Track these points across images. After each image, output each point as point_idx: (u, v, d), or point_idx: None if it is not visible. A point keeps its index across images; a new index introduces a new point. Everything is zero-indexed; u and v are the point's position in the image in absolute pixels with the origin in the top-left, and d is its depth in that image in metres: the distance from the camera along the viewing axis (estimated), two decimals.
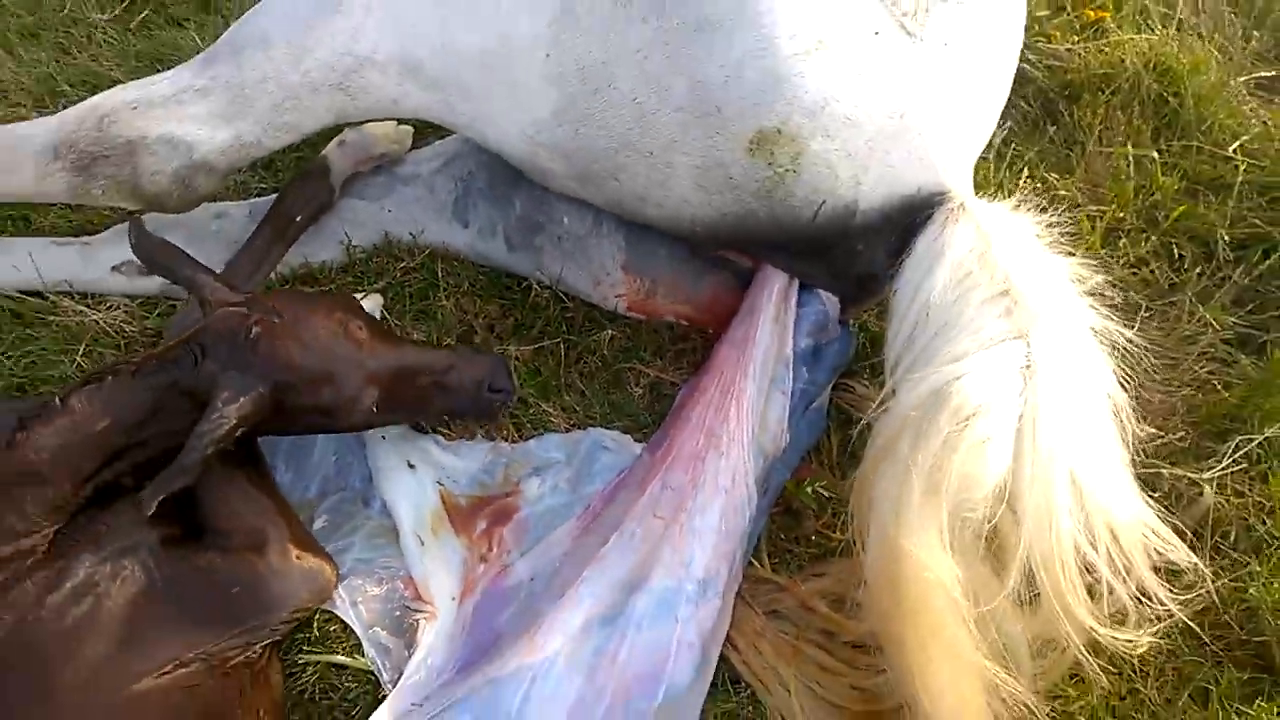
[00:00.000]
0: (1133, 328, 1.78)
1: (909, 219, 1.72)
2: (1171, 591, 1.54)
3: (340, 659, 1.61)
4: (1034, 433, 1.46)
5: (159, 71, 1.87)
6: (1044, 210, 1.70)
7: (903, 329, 1.67)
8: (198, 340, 1.56)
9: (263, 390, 1.53)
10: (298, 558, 1.59)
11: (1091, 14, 2.54)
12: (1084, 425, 1.52)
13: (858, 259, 1.81)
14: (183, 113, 1.77)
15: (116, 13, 2.58)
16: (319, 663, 1.62)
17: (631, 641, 1.51)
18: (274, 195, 2.10)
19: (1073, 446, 1.49)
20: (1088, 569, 1.50)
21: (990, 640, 1.44)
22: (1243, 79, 2.45)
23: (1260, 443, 1.90)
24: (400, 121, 2.14)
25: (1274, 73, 2.48)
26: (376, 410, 1.65)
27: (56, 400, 1.51)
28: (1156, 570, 1.55)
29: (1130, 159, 2.28)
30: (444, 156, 2.16)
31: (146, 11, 2.60)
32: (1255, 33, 2.57)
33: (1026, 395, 1.47)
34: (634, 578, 1.58)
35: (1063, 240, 1.69)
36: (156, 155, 1.76)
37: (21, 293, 2.00)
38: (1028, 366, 1.50)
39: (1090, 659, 1.52)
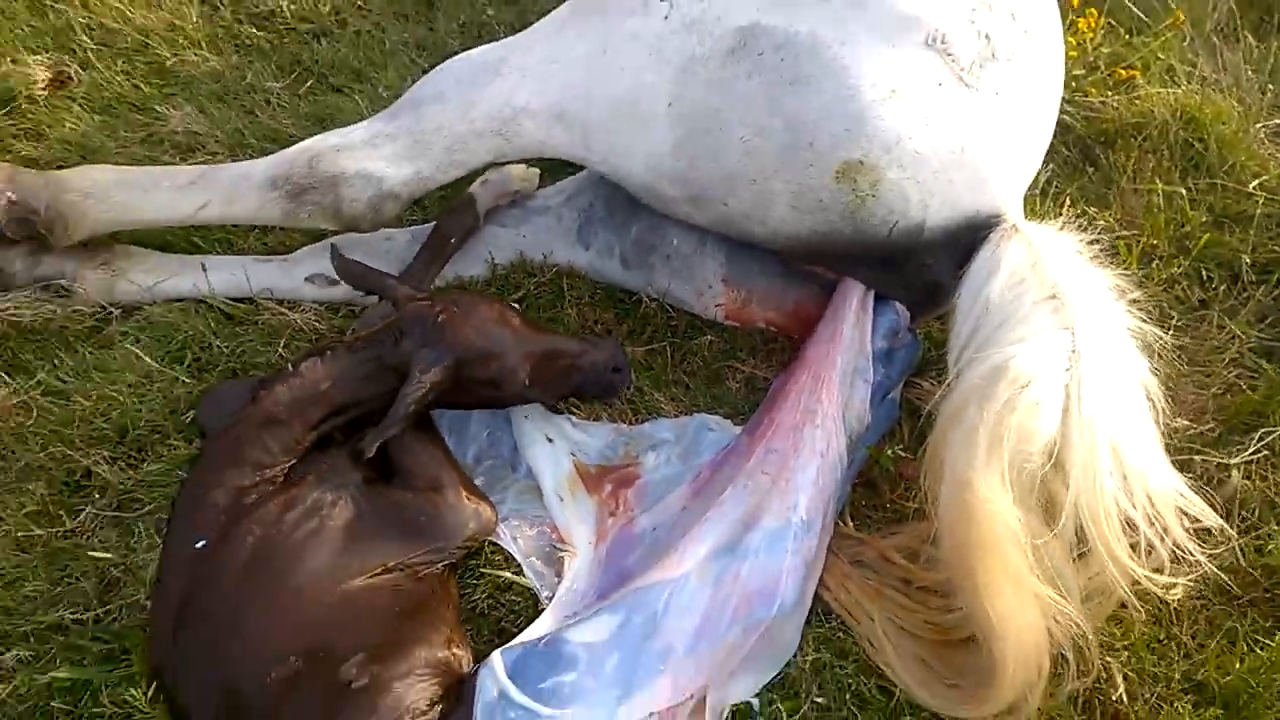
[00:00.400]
0: (1167, 334, 2.10)
1: (970, 237, 2.03)
2: (1201, 548, 1.81)
3: (507, 575, 1.93)
4: (1079, 402, 1.74)
5: (326, 128, 2.27)
6: (1088, 240, 2.01)
7: (965, 327, 1.97)
8: (397, 325, 1.96)
9: (448, 363, 1.91)
10: (467, 499, 1.93)
11: (1123, 73, 2.87)
12: (1122, 401, 1.79)
13: (926, 271, 2.12)
14: (375, 154, 2.17)
15: (288, 81, 3.03)
16: (490, 582, 1.94)
17: (750, 565, 1.81)
18: (426, 224, 2.51)
19: (1112, 417, 1.76)
20: (1129, 526, 1.78)
21: (1046, 572, 1.71)
22: (1260, 126, 2.75)
23: None
24: (529, 164, 2.55)
25: None
26: (528, 384, 2.01)
27: (290, 366, 1.90)
28: (1187, 532, 1.82)
29: (1161, 195, 2.58)
30: (567, 192, 2.55)
31: (311, 81, 3.05)
32: (1270, 86, 2.88)
33: (1072, 372, 1.75)
34: (748, 518, 1.88)
35: (1102, 260, 2.00)
36: (354, 187, 2.16)
37: (233, 299, 2.41)
38: (1073, 351, 1.78)
39: (1133, 599, 1.79)
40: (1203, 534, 1.84)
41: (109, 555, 1.96)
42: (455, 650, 1.73)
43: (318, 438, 1.91)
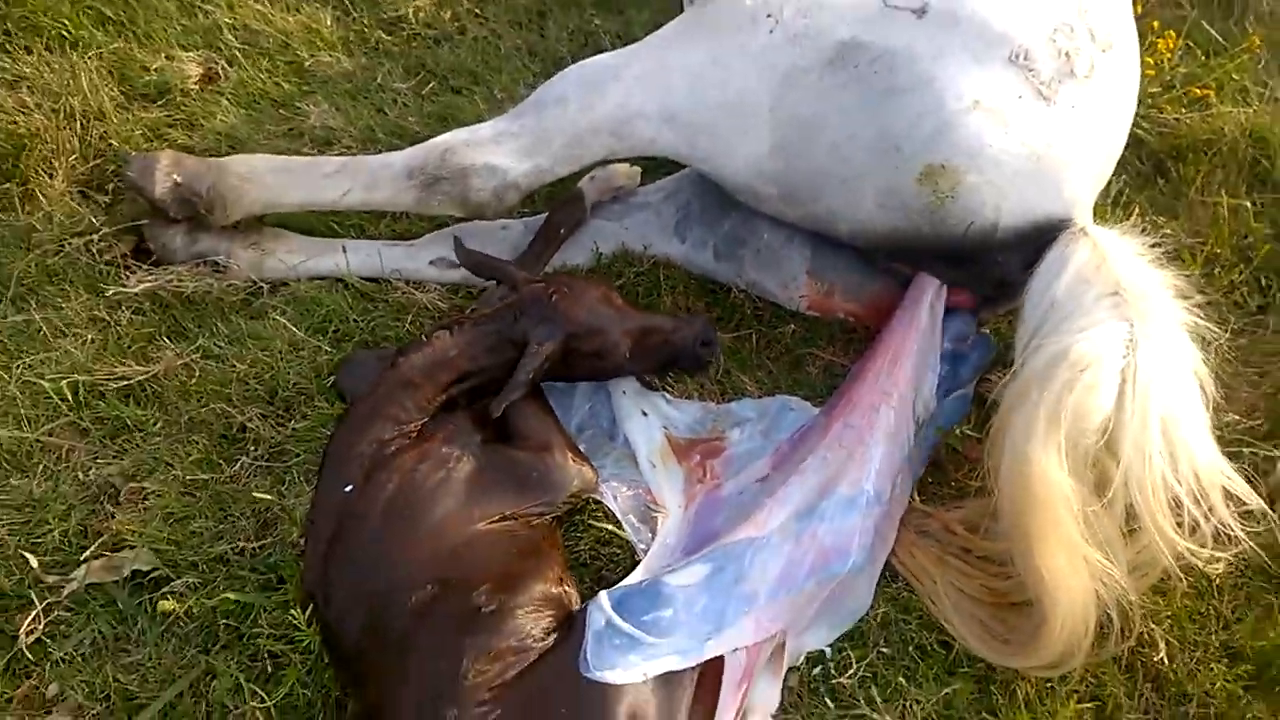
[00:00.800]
0: (1224, 335, 2.23)
1: (1040, 238, 2.18)
2: (1244, 528, 1.96)
3: (608, 529, 2.16)
4: (1134, 386, 1.89)
5: (446, 125, 2.49)
6: (1150, 243, 2.16)
7: (1031, 321, 2.13)
8: (517, 305, 2.20)
9: (560, 337, 2.14)
10: (573, 460, 2.16)
11: (1198, 92, 2.98)
12: (1175, 388, 1.94)
13: (997, 268, 2.28)
14: (500, 149, 2.41)
15: (413, 83, 3.30)
16: (593, 535, 2.17)
17: (825, 526, 2.01)
18: (538, 216, 2.75)
19: (1165, 402, 1.91)
20: (1176, 504, 1.93)
21: (1096, 539, 1.88)
22: None
23: None
24: (632, 164, 2.77)
25: None
26: (629, 357, 2.24)
27: (423, 337, 2.16)
28: (1231, 512, 1.97)
29: (1226, 207, 2.70)
30: (666, 190, 2.77)
31: (434, 82, 3.31)
32: None
33: (1129, 359, 1.91)
34: (825, 486, 2.07)
35: (1166, 263, 2.14)
36: (481, 177, 2.40)
37: (367, 279, 2.67)
38: (1130, 340, 1.94)
39: (1177, 572, 1.94)
40: (1246, 517, 1.98)
41: (267, 497, 2.23)
42: (566, 589, 1.96)
43: (446, 400, 2.16)
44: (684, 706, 1.78)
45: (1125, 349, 1.94)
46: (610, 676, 1.73)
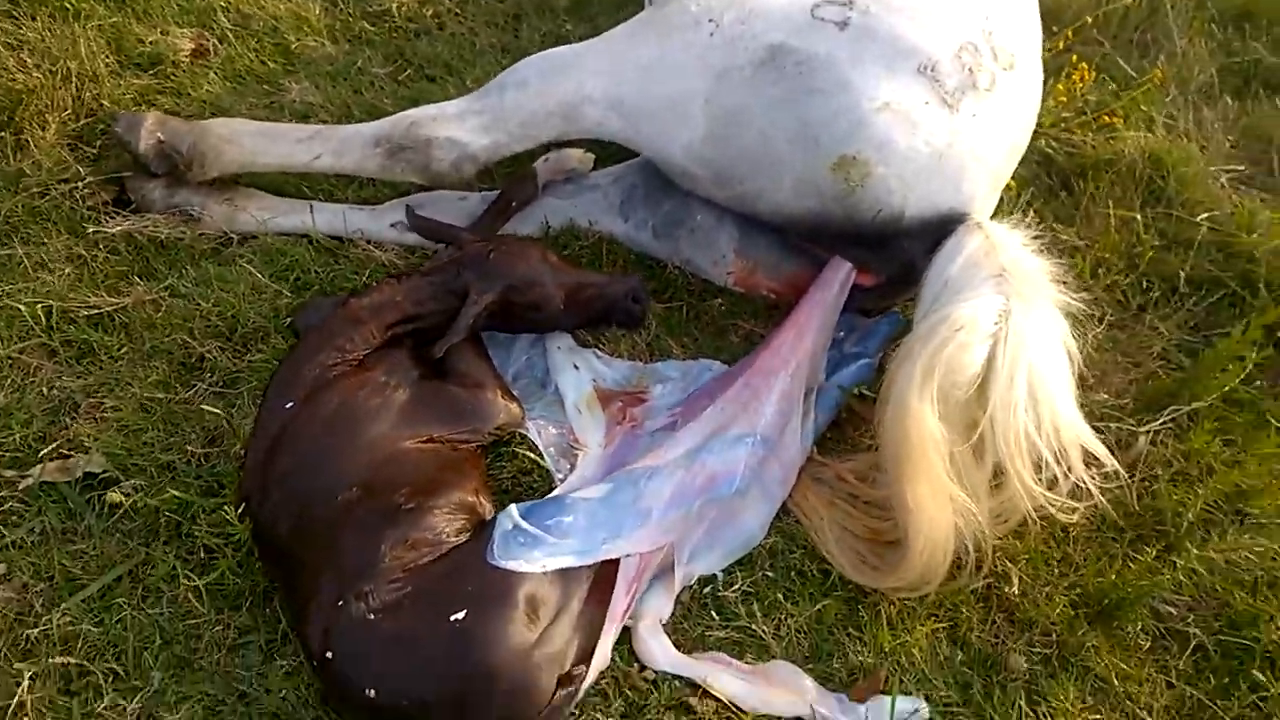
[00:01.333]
0: (1104, 326, 2.47)
1: (941, 228, 2.42)
2: (1099, 486, 2.18)
3: (531, 458, 2.36)
4: (1004, 347, 2.11)
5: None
6: (1035, 235, 2.40)
7: (927, 298, 2.35)
8: (460, 259, 2.42)
9: (499, 288, 2.36)
10: (502, 396, 2.37)
11: (1106, 118, 3.25)
12: (1042, 352, 2.16)
13: (902, 252, 2.51)
14: (462, 125, 2.62)
15: (390, 69, 3.52)
16: (516, 465, 2.37)
17: (715, 457, 2.22)
18: (496, 190, 2.97)
19: (1031, 363, 2.13)
20: (1038, 463, 2.15)
21: (961, 479, 2.09)
22: (1218, 169, 3.13)
23: (1188, 413, 2.52)
24: (585, 150, 3.00)
25: (1242, 167, 3.15)
26: (563, 310, 2.45)
27: (375, 283, 2.38)
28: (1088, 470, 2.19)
29: (1119, 218, 2.96)
30: (615, 175, 2.99)
31: (410, 70, 3.54)
32: (1236, 140, 3.26)
33: (1001, 325, 2.14)
34: (719, 429, 2.29)
35: (1051, 255, 2.38)
36: (442, 149, 2.62)
37: (331, 237, 2.88)
38: (1005, 310, 2.16)
39: (1034, 518, 2.15)
40: (1105, 479, 2.20)
41: (216, 411, 2.41)
42: (481, 500, 2.15)
43: (390, 338, 2.35)
44: (579, 599, 1.96)
45: (999, 317, 2.16)
46: (513, 565, 1.92)
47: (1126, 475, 2.29)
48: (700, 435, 2.27)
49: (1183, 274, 2.85)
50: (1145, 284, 2.85)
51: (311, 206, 2.90)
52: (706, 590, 2.21)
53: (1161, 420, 2.49)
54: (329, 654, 1.85)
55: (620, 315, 2.53)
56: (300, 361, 2.24)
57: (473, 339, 2.47)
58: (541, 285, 2.42)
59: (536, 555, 1.95)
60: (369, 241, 2.88)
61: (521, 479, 2.38)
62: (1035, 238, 2.40)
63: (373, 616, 1.84)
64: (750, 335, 2.74)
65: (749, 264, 2.77)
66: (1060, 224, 2.98)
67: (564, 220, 2.94)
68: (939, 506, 2.07)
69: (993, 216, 2.57)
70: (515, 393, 2.51)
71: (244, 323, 2.64)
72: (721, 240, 2.78)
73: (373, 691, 1.80)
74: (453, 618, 1.82)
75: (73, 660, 2.07)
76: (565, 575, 1.96)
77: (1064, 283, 2.34)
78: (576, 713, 1.99)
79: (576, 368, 2.61)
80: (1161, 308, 2.82)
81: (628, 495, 2.12)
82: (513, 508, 2.05)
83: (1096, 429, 2.29)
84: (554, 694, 1.86)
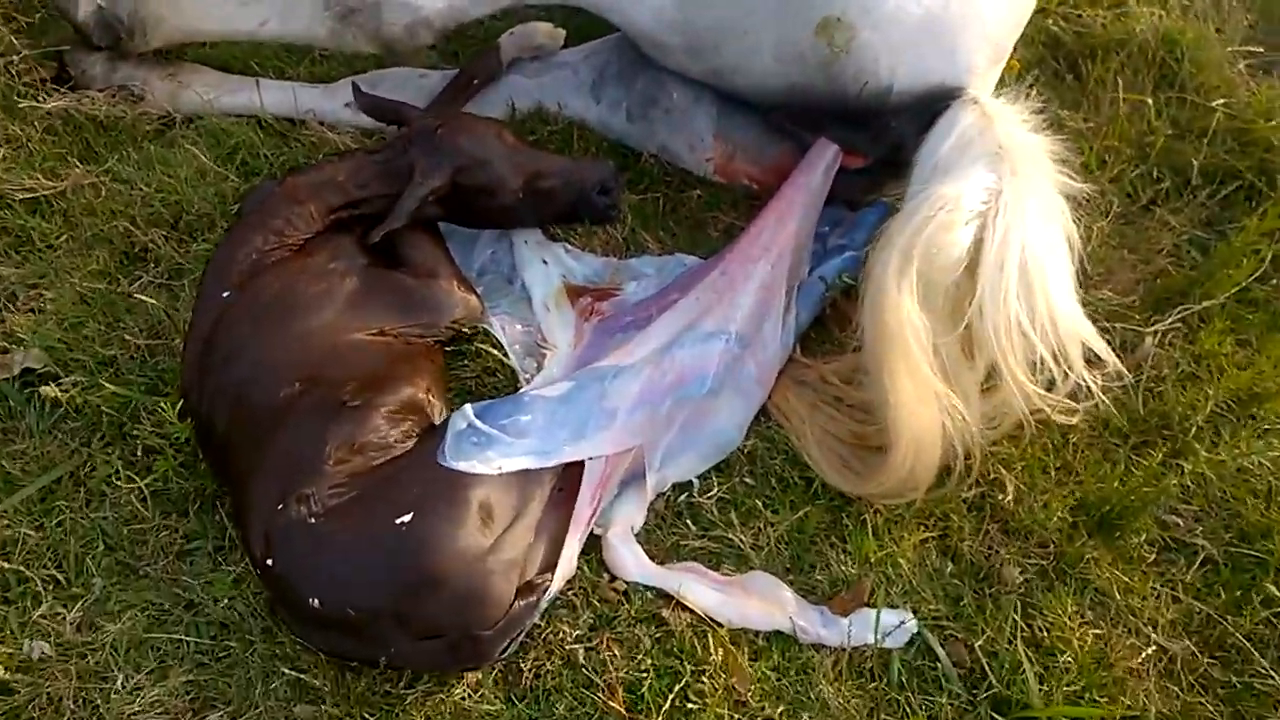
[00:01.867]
0: (1110, 220, 2.26)
1: (933, 104, 2.18)
2: (1101, 387, 2.00)
3: (495, 355, 2.18)
4: (993, 228, 1.91)
5: None
6: (1035, 109, 2.17)
7: (916, 180, 2.16)
8: (406, 136, 2.19)
9: (447, 167, 2.14)
10: (458, 287, 2.17)
11: None
12: (1037, 236, 1.95)
13: (890, 132, 2.28)
14: None
15: None
16: (479, 365, 2.19)
17: (686, 353, 2.04)
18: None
19: (1025, 247, 1.93)
20: (1032, 362, 1.97)
21: (947, 374, 1.91)
22: (1234, 51, 2.86)
23: (1199, 313, 2.34)
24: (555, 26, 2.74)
25: (1261, 50, 2.90)
26: (522, 197, 2.23)
27: (315, 162, 2.15)
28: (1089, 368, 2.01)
29: (1129, 103, 2.71)
30: (587, 52, 2.72)
31: None
32: (1255, 21, 3.00)
33: (990, 204, 1.94)
34: (691, 323, 2.10)
35: (1050, 130, 2.16)
36: (395, 12, 2.36)
37: (284, 118, 2.64)
38: (996, 188, 1.95)
39: (1028, 417, 1.98)
40: (1106, 380, 2.03)
41: (158, 303, 2.23)
42: (433, 399, 1.98)
43: (334, 221, 2.14)
44: (539, 503, 1.81)
45: (988, 195, 1.96)
46: (464, 466, 1.75)
47: (1131, 377, 2.12)
48: (671, 330, 2.09)
49: (1195, 164, 2.62)
50: (1156, 175, 2.63)
51: (259, 83, 2.66)
52: (681, 498, 2.05)
53: (1170, 320, 2.31)
54: (269, 561, 1.70)
55: (588, 209, 2.31)
56: (235, 247, 2.04)
57: (428, 228, 2.26)
58: (493, 165, 2.19)
59: (491, 456, 1.78)
60: (322, 123, 2.64)
61: (486, 379, 2.20)
62: (1037, 112, 2.17)
63: (314, 520, 1.69)
64: (730, 229, 2.53)
65: (728, 148, 2.54)
66: (1066, 110, 2.73)
67: (530, 102, 2.70)
68: (923, 403, 1.90)
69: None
70: (480, 290, 2.31)
71: (188, 209, 2.44)
72: (699, 122, 2.55)
73: (316, 600, 1.66)
74: (398, 521, 1.66)
75: (9, 566, 1.93)
76: (523, 478, 1.80)
77: (1067, 165, 2.13)
78: (542, 624, 1.86)
79: (545, 263, 2.41)
80: (1173, 200, 2.60)
81: (591, 394, 1.95)
82: (467, 407, 1.88)
83: (1101, 329, 2.10)
84: (512, 603, 1.72)
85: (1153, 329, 2.30)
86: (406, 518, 1.67)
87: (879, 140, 2.32)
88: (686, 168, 2.61)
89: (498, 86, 2.68)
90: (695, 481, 2.08)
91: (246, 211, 2.35)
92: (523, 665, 1.81)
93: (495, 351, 2.20)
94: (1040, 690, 1.80)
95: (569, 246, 2.47)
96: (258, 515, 1.74)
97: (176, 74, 2.67)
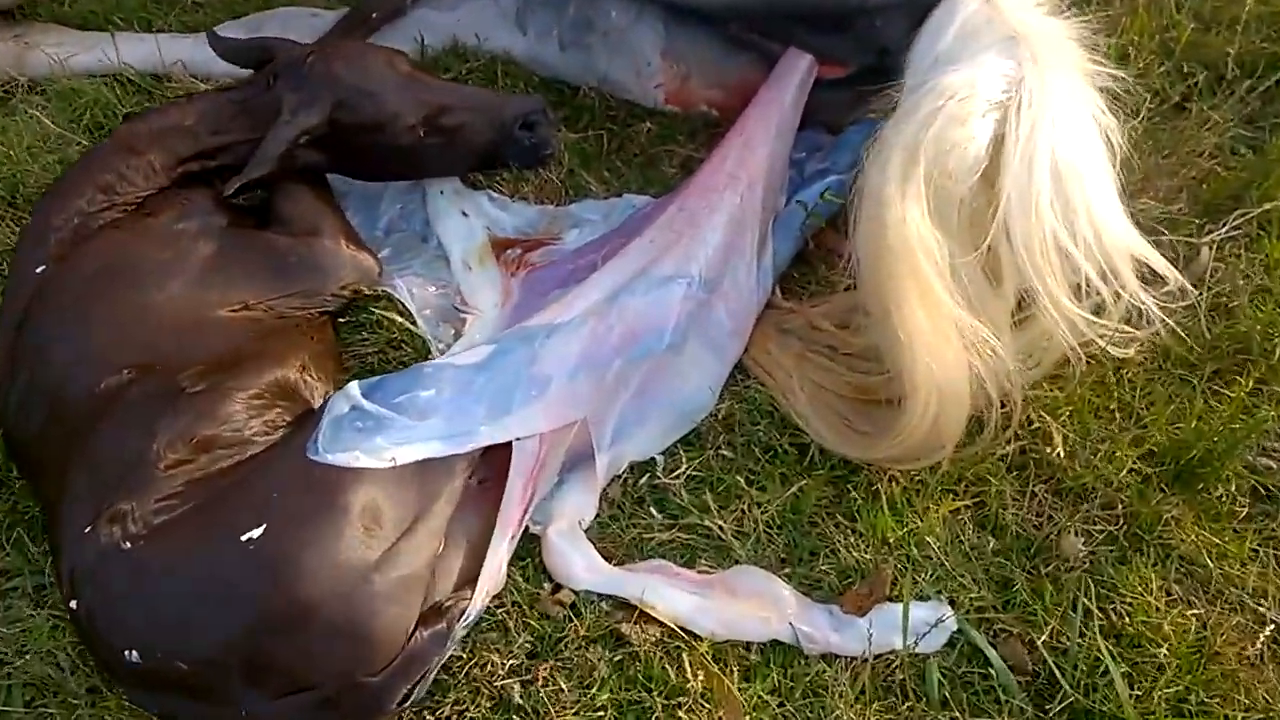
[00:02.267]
0: (1138, 120, 1.84)
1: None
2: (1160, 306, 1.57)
3: (401, 323, 1.74)
4: (1017, 123, 1.50)
5: None
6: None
7: (914, 77, 1.73)
8: (271, 70, 1.77)
9: (324, 105, 1.71)
10: (346, 245, 1.75)
11: None
12: (1071, 131, 1.54)
13: (876, 34, 1.89)
14: None
15: None
16: (382, 337, 1.76)
17: (638, 300, 1.61)
18: None
19: (1056, 145, 1.51)
20: (1076, 285, 1.54)
21: (970, 301, 1.47)
22: None
23: (1258, 217, 1.92)
24: None
25: None
26: (423, 136, 1.79)
27: (158, 106, 1.70)
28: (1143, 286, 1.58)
29: None
30: None
31: None
32: None
33: (1012, 94, 1.52)
34: (646, 268, 1.67)
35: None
36: None
37: (151, 75, 2.22)
38: (1016, 76, 1.54)
39: (1076, 348, 1.54)
40: (1163, 301, 1.59)
41: None
42: (309, 378, 1.54)
43: (183, 175, 1.72)
44: (446, 503, 1.36)
45: (1007, 84, 1.53)
46: (343, 460, 1.30)
47: (1196, 295, 1.68)
48: (620, 277, 1.65)
49: (1230, 56, 2.21)
50: (1185, 70, 2.21)
51: (114, 35, 2.23)
52: (643, 480, 1.63)
53: (1227, 228, 1.88)
54: (73, 603, 1.24)
55: (513, 148, 1.85)
56: (51, 211, 1.62)
57: (310, 179, 1.83)
58: (381, 98, 1.75)
59: (379, 444, 1.33)
60: (194, 75, 2.21)
61: (391, 354, 1.76)
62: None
63: (128, 545, 1.23)
64: (689, 162, 2.10)
65: (680, 70, 2.11)
66: (1076, 6, 2.30)
67: (444, 38, 2.27)
68: (943, 339, 1.46)
69: None
70: (387, 254, 1.89)
71: (26, 182, 2.00)
72: (644, 42, 2.11)
73: (135, 654, 1.20)
74: (245, 537, 1.20)
75: None
76: (425, 470, 1.34)
77: (1091, 45, 1.70)
78: (463, 655, 1.41)
79: (464, 215, 1.97)
80: (1208, 97, 2.18)
81: (517, 358, 1.50)
82: (352, 385, 1.42)
83: (1150, 242, 1.66)
84: (411, 635, 1.26)
85: (1208, 238, 1.88)
86: (256, 532, 1.20)
87: (861, 45, 1.93)
88: (634, 99, 2.18)
89: (402, 22, 2.24)
90: (659, 459, 1.65)
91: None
92: (439, 713, 1.35)
93: (402, 319, 1.75)
94: (1131, 697, 1.35)
95: (494, 195, 2.04)
96: (65, 543, 1.28)
97: (23, 34, 2.26)
